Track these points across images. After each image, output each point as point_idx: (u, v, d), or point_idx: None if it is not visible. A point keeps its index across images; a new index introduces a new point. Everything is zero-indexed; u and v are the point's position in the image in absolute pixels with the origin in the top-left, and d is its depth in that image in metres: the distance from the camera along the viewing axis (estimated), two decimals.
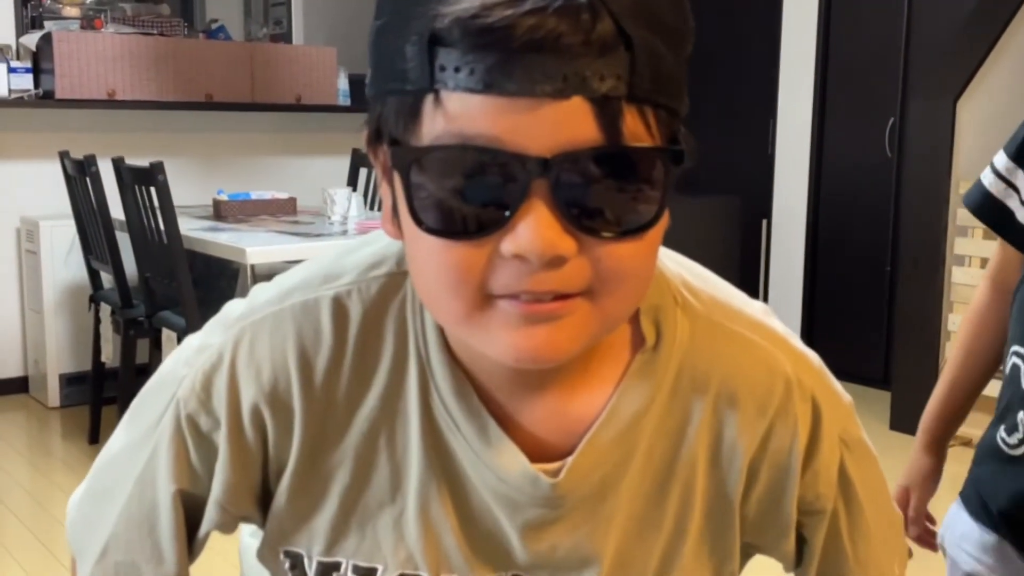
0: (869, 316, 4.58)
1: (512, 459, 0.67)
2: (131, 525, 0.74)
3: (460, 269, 0.57)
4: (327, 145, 4.70)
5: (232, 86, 4.38)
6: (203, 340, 0.72)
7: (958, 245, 3.71)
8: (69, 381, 4.07)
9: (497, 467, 0.68)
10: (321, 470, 0.71)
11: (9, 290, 4.16)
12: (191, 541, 0.75)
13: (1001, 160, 1.23)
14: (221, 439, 0.70)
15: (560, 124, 0.53)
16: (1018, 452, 1.13)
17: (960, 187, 3.72)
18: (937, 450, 1.41)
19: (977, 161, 3.82)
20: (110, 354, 3.61)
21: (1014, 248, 1.19)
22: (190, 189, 4.17)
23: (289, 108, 4.55)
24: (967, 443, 3.75)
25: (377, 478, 0.71)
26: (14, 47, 4.11)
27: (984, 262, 3.59)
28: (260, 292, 0.72)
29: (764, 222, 4.91)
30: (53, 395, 4.06)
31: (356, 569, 0.73)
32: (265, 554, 0.75)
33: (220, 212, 3.67)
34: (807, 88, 4.72)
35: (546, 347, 0.58)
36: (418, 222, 0.56)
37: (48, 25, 4.14)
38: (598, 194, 0.55)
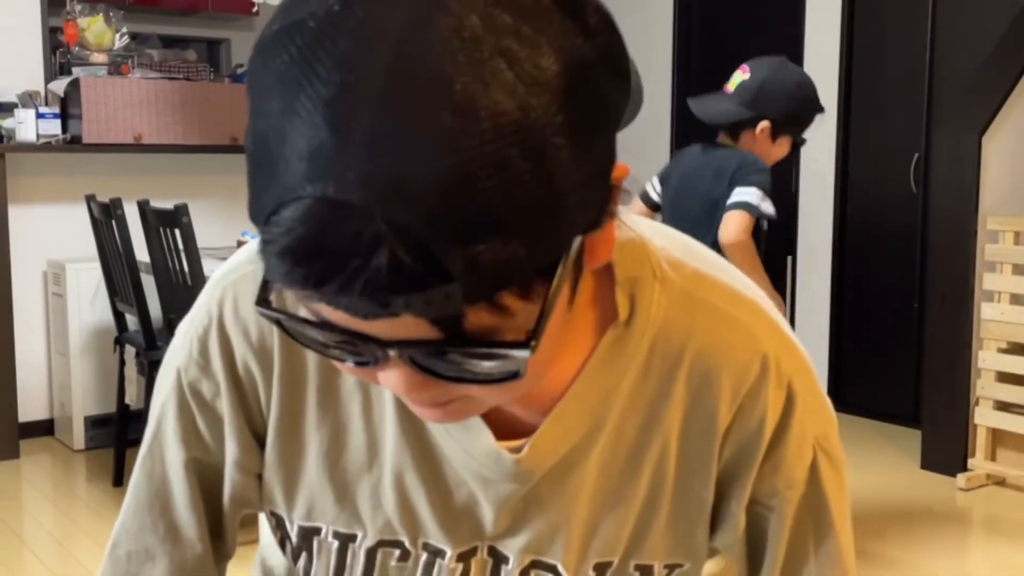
0: (898, 354, 4.53)
1: (478, 436, 0.68)
2: (140, 510, 0.74)
3: (350, 368, 0.56)
4: None
5: None
6: (194, 306, 0.73)
7: (987, 280, 3.67)
8: (94, 424, 4.08)
9: (465, 443, 0.69)
10: (299, 432, 0.71)
11: (36, 333, 4.19)
12: (219, 518, 0.74)
13: None
14: (224, 404, 0.71)
15: (398, 328, 0.49)
16: None
17: (987, 222, 3.69)
18: None
19: (1003, 195, 3.79)
20: (135, 396, 3.62)
21: None
22: (215, 231, 4.20)
23: None
24: (1000, 482, 3.68)
25: (353, 445, 0.71)
26: (43, 93, 4.17)
27: (1014, 297, 3.56)
28: (242, 250, 0.73)
29: (789, 259, 4.88)
30: (78, 438, 4.07)
31: (336, 535, 0.73)
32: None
33: None
34: (831, 123, 4.71)
35: (446, 420, 0.60)
36: (299, 343, 0.56)
37: (76, 71, 4.20)
38: (450, 363, 0.52)
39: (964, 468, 3.70)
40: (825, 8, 4.69)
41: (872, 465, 3.85)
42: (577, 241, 0.52)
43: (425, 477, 0.71)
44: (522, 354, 0.51)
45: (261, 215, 0.49)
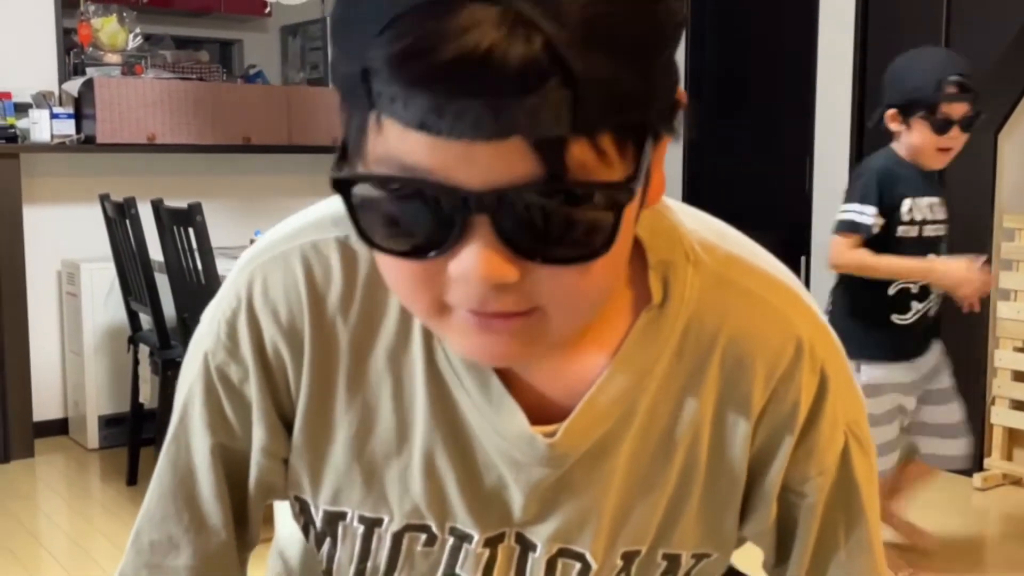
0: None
1: (512, 417, 0.67)
2: (164, 498, 0.73)
3: (413, 283, 0.56)
4: None
5: (269, 129, 4.43)
6: (220, 292, 0.72)
7: (1003, 279, 3.65)
8: (108, 423, 4.10)
9: (497, 424, 0.68)
10: (327, 416, 0.71)
11: (50, 333, 4.20)
12: (244, 505, 0.74)
13: None
14: (252, 389, 0.70)
15: (497, 162, 0.50)
16: (909, 321, 2.60)
17: (1003, 220, 3.67)
18: None
19: (1019, 193, 3.76)
20: (148, 395, 3.63)
21: None
22: (228, 230, 4.20)
23: (326, 150, 4.59)
24: (1016, 482, 3.66)
25: (382, 429, 0.70)
26: (57, 93, 4.18)
27: None
28: (270, 233, 0.72)
29: (803, 258, 4.86)
30: (92, 437, 4.09)
31: (362, 519, 0.73)
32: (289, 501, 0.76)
33: None
34: (844, 124, 4.69)
35: (499, 356, 0.59)
36: (366, 239, 0.55)
37: (90, 72, 4.22)
38: (540, 226, 0.52)
39: (980, 468, 3.68)
40: (839, 12, 4.68)
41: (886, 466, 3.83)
42: (650, 147, 0.54)
43: (455, 459, 0.70)
44: (620, 196, 0.52)
45: (376, 25, 0.50)
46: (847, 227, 2.62)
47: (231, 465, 0.73)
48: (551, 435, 0.67)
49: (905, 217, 2.57)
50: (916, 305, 2.62)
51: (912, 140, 2.56)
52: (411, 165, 0.52)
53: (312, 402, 0.70)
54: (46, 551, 3.15)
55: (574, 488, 0.70)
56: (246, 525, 0.75)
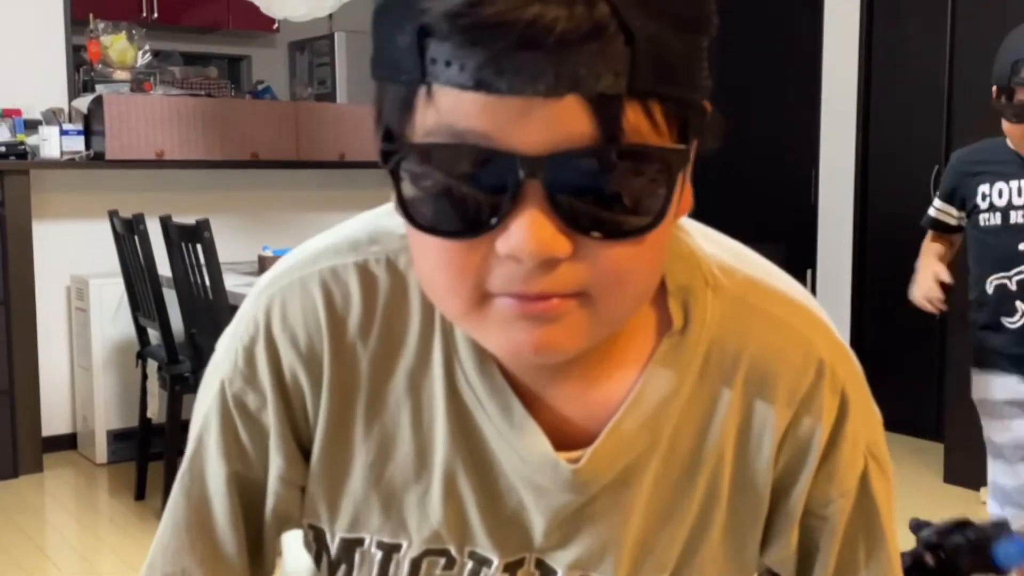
0: (920, 367, 4.50)
1: (534, 441, 0.66)
2: (178, 529, 0.72)
3: (456, 267, 0.55)
4: (371, 201, 4.68)
5: (277, 145, 4.45)
6: (235, 319, 0.72)
7: None
8: (117, 437, 4.11)
9: (520, 448, 0.66)
10: (346, 443, 0.69)
11: (59, 348, 4.22)
12: (259, 536, 0.72)
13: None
14: (271, 416, 0.69)
15: (554, 122, 0.50)
16: (1016, 325, 2.25)
17: None
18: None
19: None
20: (156, 410, 3.64)
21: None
22: (236, 246, 4.22)
23: (333, 165, 4.61)
24: None
25: (402, 454, 0.69)
26: (66, 110, 4.21)
27: None
28: (288, 258, 0.71)
29: (809, 272, 4.86)
30: (101, 451, 4.10)
31: (380, 545, 0.71)
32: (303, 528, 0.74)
33: (265, 268, 3.69)
34: (849, 136, 4.70)
35: (543, 346, 0.56)
36: (410, 219, 0.55)
37: (99, 88, 4.25)
38: (594, 195, 0.52)
39: (987, 482, 3.67)
40: (843, 22, 4.69)
41: (895, 479, 3.82)
42: (692, 147, 0.55)
43: (476, 483, 0.68)
44: (674, 162, 0.53)
45: None
46: (924, 222, 2.55)
47: (246, 495, 0.71)
48: (575, 460, 0.66)
49: (982, 204, 2.32)
50: (1021, 306, 2.29)
51: (1005, 120, 2.25)
52: (464, 130, 0.51)
53: (331, 428, 0.69)
54: (54, 565, 3.16)
55: (596, 515, 0.68)
56: (261, 556, 0.74)
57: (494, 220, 0.53)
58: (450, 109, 0.51)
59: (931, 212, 2.51)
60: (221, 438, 0.70)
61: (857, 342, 4.71)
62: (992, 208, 2.30)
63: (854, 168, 4.69)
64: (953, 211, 2.43)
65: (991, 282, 2.31)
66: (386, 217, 0.70)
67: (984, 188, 2.31)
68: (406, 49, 0.52)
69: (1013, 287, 2.27)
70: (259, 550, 0.73)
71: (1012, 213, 2.27)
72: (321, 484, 0.71)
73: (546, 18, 0.48)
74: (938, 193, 2.49)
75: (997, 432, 2.33)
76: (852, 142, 4.69)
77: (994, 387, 2.32)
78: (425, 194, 0.54)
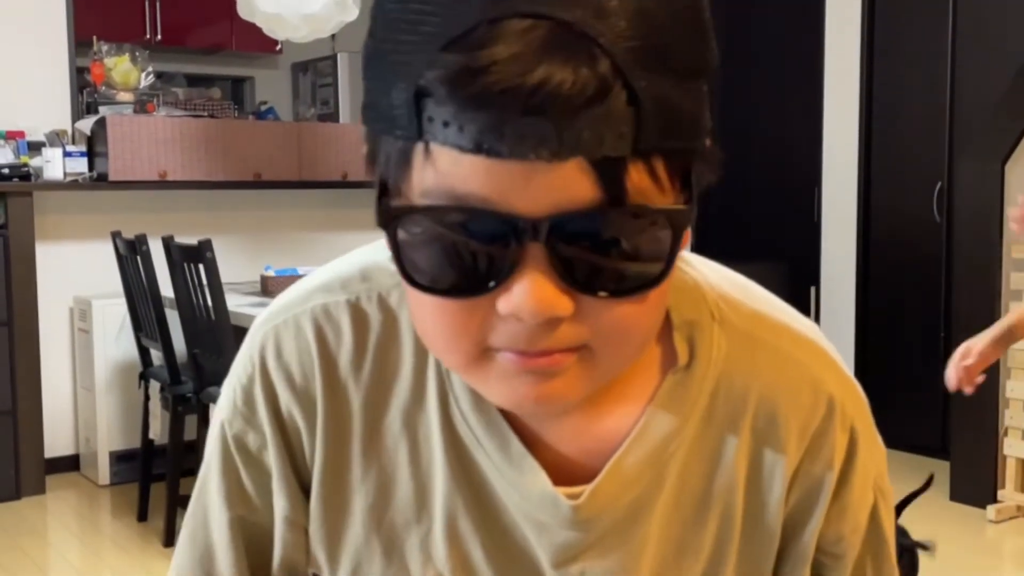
0: (924, 384, 4.49)
1: (534, 478, 0.65)
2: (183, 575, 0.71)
3: (456, 326, 0.55)
4: (373, 221, 4.74)
5: (280, 165, 4.46)
6: (236, 360, 0.71)
7: (1013, 310, 3.64)
8: (119, 459, 4.10)
9: (519, 485, 0.65)
10: (343, 486, 0.69)
11: (62, 369, 4.22)
12: None
13: None
14: (271, 456, 0.68)
15: (556, 186, 0.50)
16: None
17: (1012, 251, 3.66)
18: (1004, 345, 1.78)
19: None
20: (159, 431, 3.63)
21: None
22: (239, 266, 4.23)
23: (336, 185, 4.62)
24: None
25: (401, 495, 0.68)
26: (70, 132, 4.23)
27: None
28: (282, 296, 0.71)
29: (812, 289, 4.86)
30: (103, 473, 4.09)
31: None
32: None
33: (268, 288, 3.70)
34: (852, 153, 4.71)
35: (543, 398, 0.56)
36: (409, 280, 0.54)
37: (102, 110, 4.26)
38: (597, 254, 0.52)
39: (994, 500, 3.65)
40: (845, 40, 4.70)
41: (900, 497, 3.80)
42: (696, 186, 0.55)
43: (479, 522, 0.67)
44: (679, 221, 0.52)
45: (431, 47, 0.49)
46: None
47: (251, 540, 0.70)
48: (576, 496, 0.65)
49: None
50: None
51: None
52: (464, 194, 0.50)
53: (327, 469, 0.68)
54: None
55: (604, 555, 0.67)
56: None
57: (493, 283, 0.52)
58: (449, 171, 0.51)
59: None
60: (223, 482, 0.70)
61: (861, 359, 4.70)
62: None
63: (857, 185, 4.69)
64: None
65: None
66: (377, 253, 0.69)
67: None
68: (401, 105, 0.51)
69: None
70: None
71: None
72: (320, 529, 0.69)
73: (551, 83, 0.47)
74: None
75: None
76: (855, 159, 4.69)
77: None
78: (423, 254, 0.53)
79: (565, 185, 0.50)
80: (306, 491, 0.70)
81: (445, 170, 0.51)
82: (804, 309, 4.42)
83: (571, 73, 0.48)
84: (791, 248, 4.94)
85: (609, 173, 0.50)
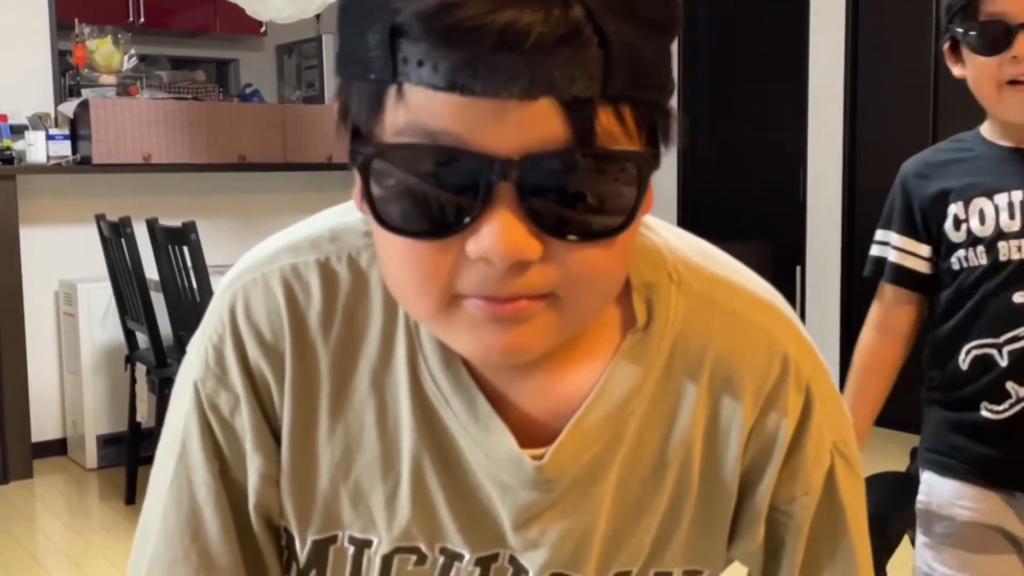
0: (909, 360, 4.52)
1: (500, 439, 0.66)
2: (171, 540, 0.70)
3: (425, 268, 0.55)
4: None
5: (264, 147, 4.44)
6: (203, 320, 0.71)
7: None
8: (106, 442, 4.10)
9: (485, 445, 0.66)
10: (311, 444, 0.69)
11: (48, 353, 4.21)
12: (255, 544, 0.71)
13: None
14: (246, 413, 0.69)
15: (527, 125, 0.51)
16: (1005, 416, 1.43)
17: None
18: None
19: None
20: (145, 414, 3.63)
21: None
22: (224, 248, 4.21)
23: (321, 167, 4.61)
24: None
25: (367, 454, 0.69)
26: (53, 115, 4.20)
27: None
28: (249, 255, 0.71)
29: (798, 268, 4.88)
30: (91, 456, 4.09)
31: (352, 540, 0.71)
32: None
33: None
34: (837, 133, 4.72)
35: (511, 347, 0.57)
36: (379, 220, 0.55)
37: (85, 93, 4.24)
38: (566, 197, 0.53)
39: None
40: (829, 19, 4.71)
41: (876, 471, 3.83)
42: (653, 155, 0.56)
43: (444, 480, 0.68)
44: (646, 165, 0.54)
45: None
46: (872, 272, 1.61)
47: (236, 502, 0.70)
48: (539, 458, 0.66)
49: (952, 234, 1.46)
50: (1015, 389, 1.42)
51: (970, 80, 1.53)
52: (436, 130, 0.51)
53: (295, 428, 0.69)
54: (45, 571, 3.15)
55: (565, 514, 0.69)
56: (262, 566, 0.72)
57: (465, 221, 0.53)
58: (422, 109, 0.51)
59: (883, 254, 1.58)
60: (202, 442, 0.69)
61: (846, 338, 4.73)
62: (972, 240, 1.43)
63: (842, 165, 4.71)
64: (922, 248, 1.52)
65: (967, 352, 1.48)
66: (347, 215, 0.69)
67: (955, 206, 1.46)
68: (376, 47, 0.52)
69: (1003, 360, 1.41)
70: (257, 557, 0.72)
71: (1002, 246, 1.41)
72: (290, 487, 0.70)
73: (522, 22, 0.49)
74: (886, 224, 1.61)
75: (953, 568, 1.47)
76: (840, 139, 4.70)
77: (956, 501, 1.49)
78: (394, 194, 0.54)
79: (536, 124, 0.51)
80: (278, 448, 0.70)
81: (418, 109, 0.51)
82: (790, 288, 4.44)
83: (544, 13, 0.49)
84: (777, 228, 4.95)
85: (579, 114, 0.51)
